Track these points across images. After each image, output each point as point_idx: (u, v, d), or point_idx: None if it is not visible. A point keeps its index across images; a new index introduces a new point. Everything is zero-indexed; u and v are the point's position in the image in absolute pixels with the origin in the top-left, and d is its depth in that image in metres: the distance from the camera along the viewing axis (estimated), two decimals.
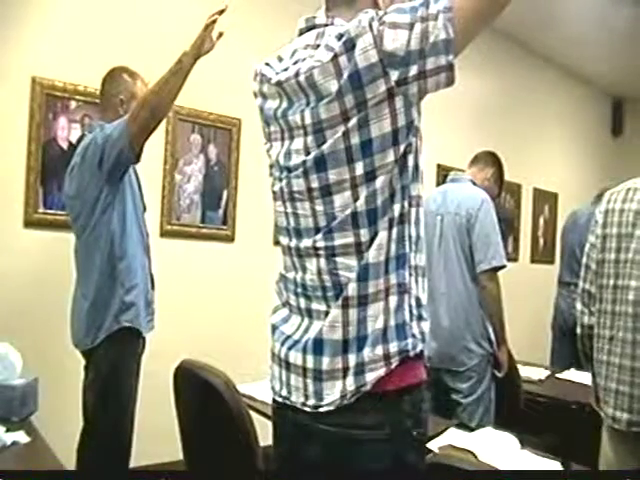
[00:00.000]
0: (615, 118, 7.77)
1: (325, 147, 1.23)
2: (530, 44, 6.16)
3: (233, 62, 3.66)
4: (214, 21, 2.43)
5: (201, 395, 2.05)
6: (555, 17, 5.39)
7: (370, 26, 1.18)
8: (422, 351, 1.29)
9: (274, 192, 1.40)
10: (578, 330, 2.58)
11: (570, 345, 4.03)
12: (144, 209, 2.75)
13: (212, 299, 3.87)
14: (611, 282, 2.39)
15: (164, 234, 3.68)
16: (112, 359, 2.54)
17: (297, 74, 1.27)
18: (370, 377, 1.23)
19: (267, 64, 1.40)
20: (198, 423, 2.17)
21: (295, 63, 1.30)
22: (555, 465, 1.99)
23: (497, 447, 2.15)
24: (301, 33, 1.38)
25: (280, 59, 1.38)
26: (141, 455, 2.78)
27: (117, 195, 2.55)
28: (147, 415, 2.86)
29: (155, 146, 3.19)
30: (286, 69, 1.32)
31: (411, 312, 1.27)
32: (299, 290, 1.34)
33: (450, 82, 1.20)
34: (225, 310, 3.90)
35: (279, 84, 1.32)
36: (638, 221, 2.33)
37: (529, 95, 6.40)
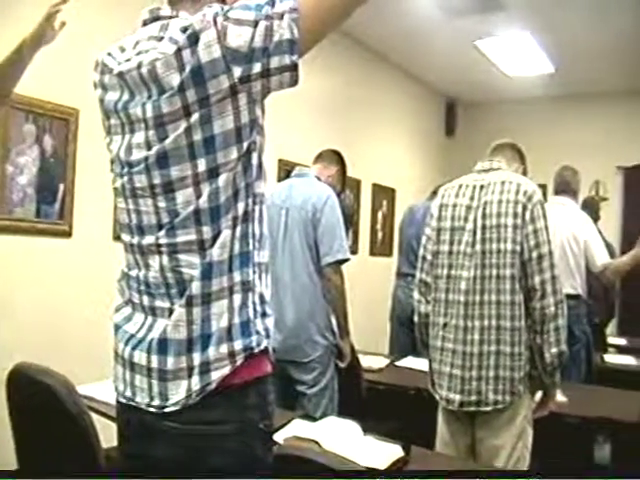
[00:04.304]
0: (448, 119, 8.21)
1: (167, 143, 1.21)
2: (369, 43, 6.33)
3: (71, 50, 3.48)
4: (57, 10, 2.30)
5: (38, 399, 1.95)
6: (394, 19, 5.57)
7: (214, 21, 1.17)
8: (267, 347, 1.31)
9: (115, 189, 1.36)
10: (415, 318, 2.71)
11: (408, 333, 4.22)
12: None
13: (49, 298, 3.67)
14: (445, 272, 2.54)
15: None
16: None
17: (139, 66, 1.23)
18: (215, 376, 1.23)
19: (109, 54, 1.35)
20: (35, 429, 2.07)
21: (138, 54, 1.27)
22: (396, 448, 2.08)
23: (340, 435, 2.21)
24: (145, 24, 1.34)
25: (122, 49, 1.33)
26: None
27: None
28: None
29: None
30: (128, 60, 1.28)
31: (255, 309, 1.28)
32: (142, 288, 1.32)
33: (294, 82, 1.22)
34: (64, 309, 3.72)
35: (120, 75, 1.28)
36: (469, 215, 2.49)
37: (368, 94, 6.60)
